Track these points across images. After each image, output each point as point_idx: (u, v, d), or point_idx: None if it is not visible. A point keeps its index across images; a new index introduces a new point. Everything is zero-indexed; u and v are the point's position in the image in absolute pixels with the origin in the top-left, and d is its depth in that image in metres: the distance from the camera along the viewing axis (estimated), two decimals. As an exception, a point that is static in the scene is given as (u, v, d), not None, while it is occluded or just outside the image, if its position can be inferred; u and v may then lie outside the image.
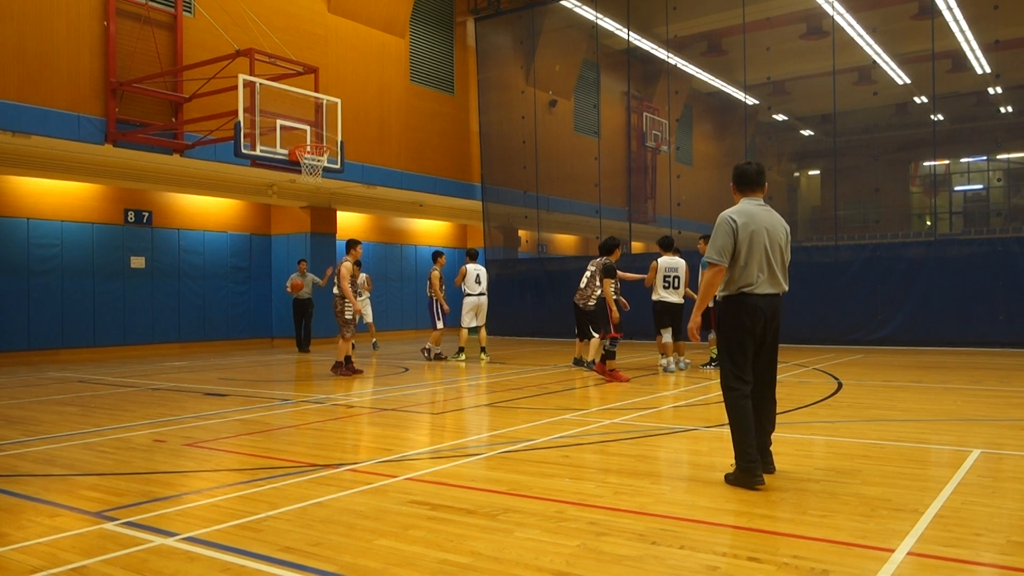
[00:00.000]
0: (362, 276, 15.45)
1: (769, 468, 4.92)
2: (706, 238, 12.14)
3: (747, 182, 5.01)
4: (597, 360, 10.90)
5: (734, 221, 4.83)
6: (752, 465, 4.65)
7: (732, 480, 4.75)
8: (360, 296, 15.45)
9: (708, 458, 5.61)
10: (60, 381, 11.55)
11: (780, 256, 4.90)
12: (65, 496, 4.77)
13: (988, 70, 21.16)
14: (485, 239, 21.42)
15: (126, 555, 3.64)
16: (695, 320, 5.03)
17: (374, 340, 17.13)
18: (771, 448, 5.00)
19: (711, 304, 10.93)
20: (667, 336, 11.46)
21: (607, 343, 10.51)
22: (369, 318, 16.44)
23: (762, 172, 5.04)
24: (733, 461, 4.84)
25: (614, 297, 10.61)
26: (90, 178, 14.99)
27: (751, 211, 4.89)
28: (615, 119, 23.28)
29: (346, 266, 11.35)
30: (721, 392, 4.93)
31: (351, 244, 11.69)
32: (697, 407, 8.11)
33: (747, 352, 4.82)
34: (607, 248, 10.98)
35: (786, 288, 4.91)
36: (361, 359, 13.21)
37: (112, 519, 4.23)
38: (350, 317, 11.41)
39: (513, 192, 20.94)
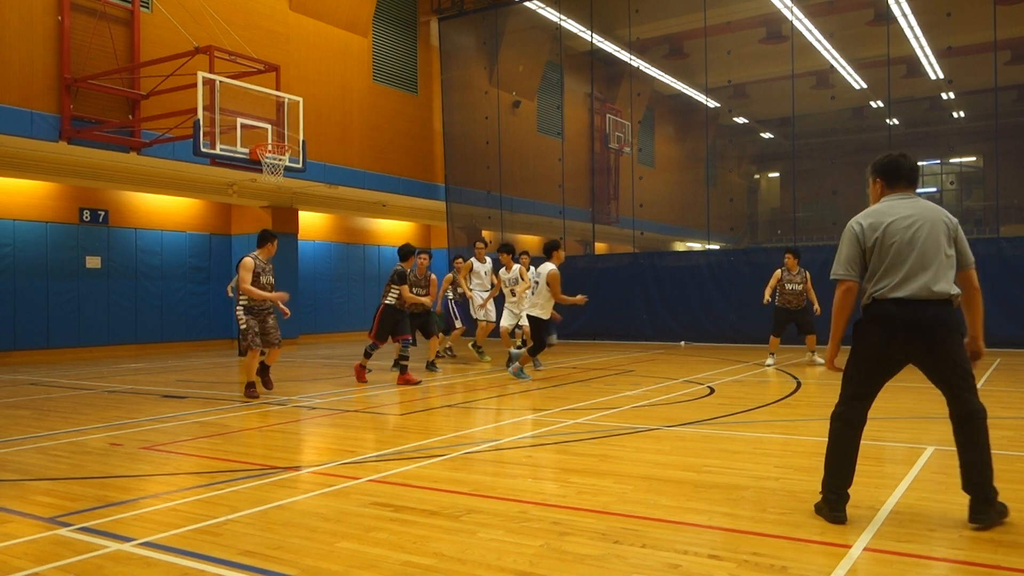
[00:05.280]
0: (490, 262, 13.65)
1: (983, 517, 3.88)
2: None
3: (898, 177, 4.13)
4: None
5: (860, 225, 4.07)
6: (833, 498, 4.04)
7: (817, 508, 4.18)
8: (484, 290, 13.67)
9: (670, 457, 5.66)
10: (12, 384, 11.26)
11: (930, 252, 3.95)
12: (17, 502, 4.65)
13: (941, 76, 21.66)
14: (449, 239, 21.38)
15: (81, 561, 3.57)
16: (831, 351, 4.21)
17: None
18: (990, 495, 3.92)
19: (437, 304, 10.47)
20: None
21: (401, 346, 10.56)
22: (492, 317, 13.75)
23: (917, 169, 4.16)
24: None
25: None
26: (44, 176, 14.64)
27: (886, 208, 4.07)
28: (578, 120, 23.39)
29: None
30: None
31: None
32: (658, 407, 8.18)
33: (862, 367, 4.06)
34: (404, 255, 10.68)
35: (951, 293, 3.93)
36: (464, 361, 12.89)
37: (66, 525, 4.14)
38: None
39: (476, 192, 20.92)
